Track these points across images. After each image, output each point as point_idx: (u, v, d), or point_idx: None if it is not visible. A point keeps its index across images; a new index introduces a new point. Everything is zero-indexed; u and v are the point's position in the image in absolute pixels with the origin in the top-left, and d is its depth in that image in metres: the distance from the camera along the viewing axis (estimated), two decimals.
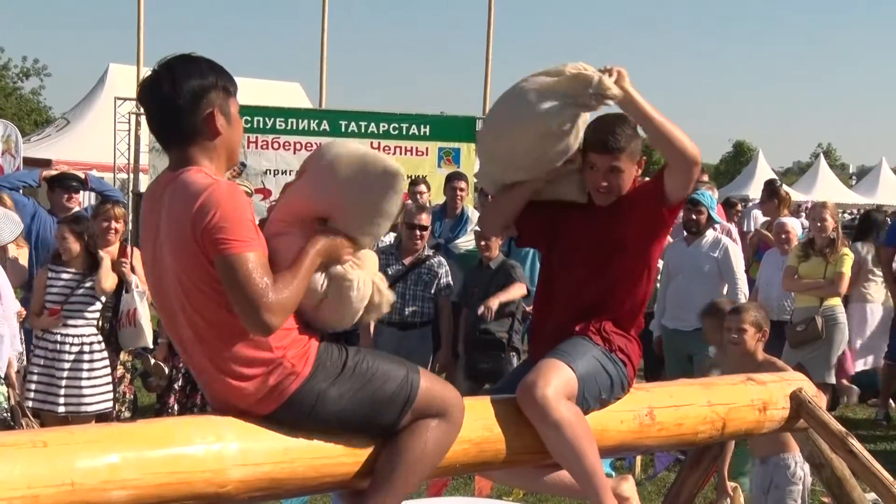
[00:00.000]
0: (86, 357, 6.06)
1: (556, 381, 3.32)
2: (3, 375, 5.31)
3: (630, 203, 3.57)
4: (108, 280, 6.05)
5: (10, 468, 2.43)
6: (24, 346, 6.62)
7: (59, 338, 6.04)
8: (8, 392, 5.36)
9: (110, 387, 6.19)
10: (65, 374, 6.00)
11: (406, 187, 2.98)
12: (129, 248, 6.75)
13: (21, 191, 7.62)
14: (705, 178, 9.57)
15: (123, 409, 6.57)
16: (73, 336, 6.05)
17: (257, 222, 2.87)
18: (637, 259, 3.59)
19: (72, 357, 6.03)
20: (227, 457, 2.75)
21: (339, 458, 2.94)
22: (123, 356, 6.55)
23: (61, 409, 5.95)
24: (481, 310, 6.84)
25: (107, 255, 6.20)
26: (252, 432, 2.82)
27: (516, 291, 7.06)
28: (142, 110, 12.17)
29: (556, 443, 3.31)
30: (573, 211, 3.65)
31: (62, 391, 5.97)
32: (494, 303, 6.86)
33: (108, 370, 6.20)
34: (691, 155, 3.40)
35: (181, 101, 2.78)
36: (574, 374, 3.38)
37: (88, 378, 6.04)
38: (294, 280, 2.77)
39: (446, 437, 3.06)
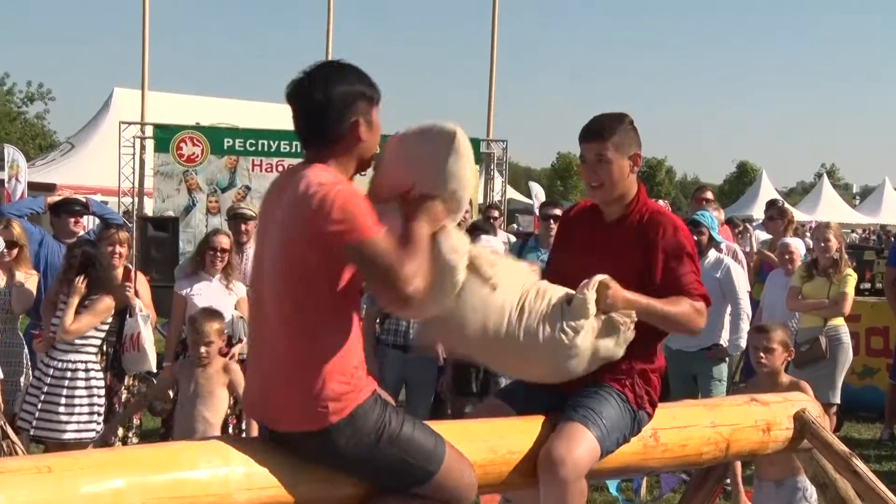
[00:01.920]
0: (66, 384, 5.93)
1: (581, 457, 3.33)
2: None
3: (649, 243, 3.54)
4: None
5: (15, 494, 2.44)
6: (30, 368, 6.63)
7: (47, 360, 6.01)
8: None
9: (96, 416, 6.04)
10: (42, 397, 5.92)
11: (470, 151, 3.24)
12: (132, 273, 6.76)
13: (28, 218, 7.65)
14: (709, 194, 9.60)
15: (131, 435, 6.53)
16: (61, 361, 5.97)
17: None
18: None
19: (54, 382, 5.92)
20: (233, 481, 2.76)
21: (342, 483, 2.94)
22: (128, 381, 6.53)
23: (32, 431, 5.90)
24: None
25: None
26: (257, 457, 2.83)
27: None
28: (146, 134, 12.30)
29: None
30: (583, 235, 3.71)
31: (36, 414, 5.92)
32: None
33: (97, 399, 6.04)
34: (697, 331, 3.59)
35: (331, 108, 2.92)
36: (598, 444, 3.39)
37: (67, 405, 5.90)
38: (416, 249, 2.89)
39: None
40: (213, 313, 5.62)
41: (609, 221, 3.66)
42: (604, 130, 3.55)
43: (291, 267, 2.85)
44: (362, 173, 3.11)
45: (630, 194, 3.63)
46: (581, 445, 3.34)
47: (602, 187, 3.58)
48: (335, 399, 2.85)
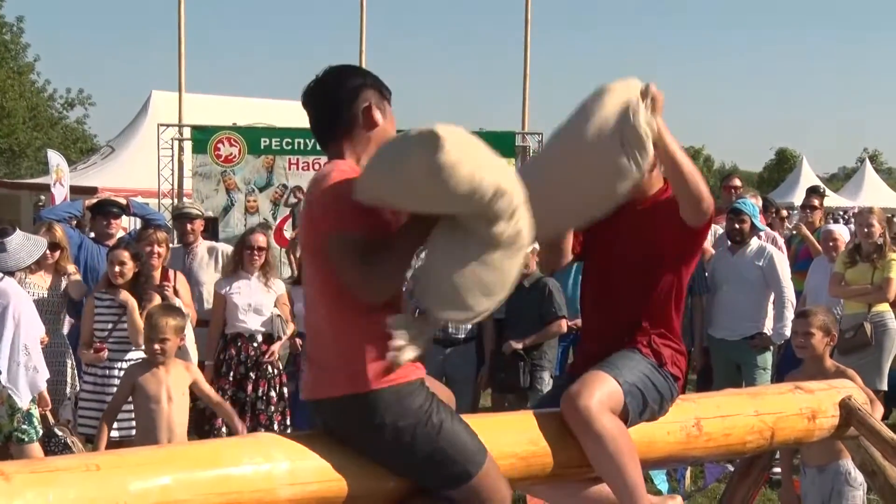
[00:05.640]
0: (114, 381, 5.97)
1: (600, 393, 3.30)
2: (32, 399, 5.39)
3: (667, 213, 3.48)
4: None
5: (65, 492, 2.47)
6: (75, 370, 6.72)
7: (108, 363, 6.08)
8: (45, 413, 5.43)
9: None
10: (95, 397, 6.00)
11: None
12: (171, 272, 6.82)
13: (72, 222, 7.71)
14: (736, 181, 9.53)
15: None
16: (124, 361, 6.07)
17: None
18: (673, 269, 3.55)
19: (105, 381, 6.02)
20: (277, 476, 2.77)
21: (387, 477, 2.95)
22: None
23: (115, 433, 5.97)
24: (506, 346, 6.91)
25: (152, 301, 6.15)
26: (300, 451, 2.85)
27: (552, 331, 7.03)
28: (184, 136, 12.42)
29: (597, 455, 3.29)
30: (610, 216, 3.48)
31: (91, 414, 5.98)
32: (518, 345, 6.90)
33: None
34: (706, 208, 3.37)
35: (341, 100, 3.03)
36: (619, 386, 3.35)
37: None
38: (393, 255, 2.83)
39: None
40: (171, 309, 5.58)
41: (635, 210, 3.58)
42: None
43: (323, 256, 2.89)
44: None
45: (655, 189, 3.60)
46: (598, 384, 3.33)
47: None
48: (377, 364, 2.87)
